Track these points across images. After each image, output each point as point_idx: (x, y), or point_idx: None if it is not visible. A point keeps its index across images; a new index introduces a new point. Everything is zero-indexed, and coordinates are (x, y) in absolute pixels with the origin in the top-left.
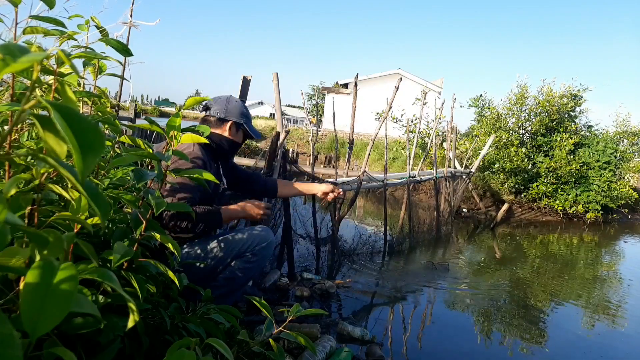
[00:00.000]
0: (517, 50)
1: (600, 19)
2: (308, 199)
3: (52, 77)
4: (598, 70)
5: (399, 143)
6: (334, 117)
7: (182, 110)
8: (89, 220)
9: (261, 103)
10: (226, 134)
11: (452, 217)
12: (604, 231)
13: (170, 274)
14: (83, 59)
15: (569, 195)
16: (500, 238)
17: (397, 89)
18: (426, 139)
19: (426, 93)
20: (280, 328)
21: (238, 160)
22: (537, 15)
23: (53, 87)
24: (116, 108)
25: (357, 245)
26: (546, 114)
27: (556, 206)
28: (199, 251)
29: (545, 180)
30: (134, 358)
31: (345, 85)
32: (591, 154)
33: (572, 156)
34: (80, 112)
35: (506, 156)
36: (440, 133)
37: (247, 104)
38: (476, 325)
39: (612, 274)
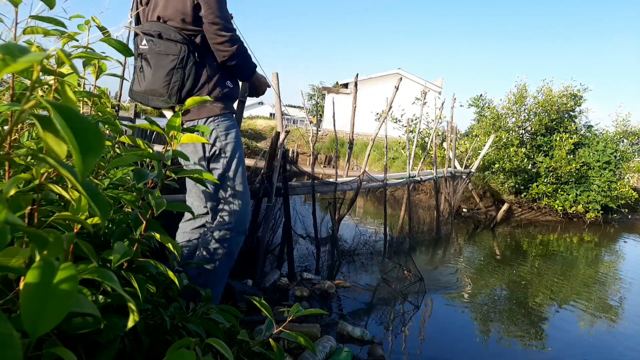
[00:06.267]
0: (517, 50)
1: (600, 19)
2: (308, 199)
3: (52, 77)
4: (598, 70)
5: (399, 143)
6: (334, 117)
7: (181, 111)
8: (89, 220)
9: (261, 103)
10: None
11: (452, 217)
12: (604, 231)
13: (170, 274)
14: (83, 59)
15: (569, 195)
16: (500, 238)
17: (397, 89)
18: (426, 139)
19: (426, 93)
20: (280, 328)
21: None
22: (537, 15)
23: (53, 87)
24: (116, 108)
25: (357, 245)
26: (546, 114)
27: (556, 206)
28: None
29: (545, 180)
30: (134, 358)
31: (345, 85)
32: (591, 153)
33: (572, 156)
34: (80, 112)
35: (506, 156)
36: (440, 133)
37: (247, 104)
38: (476, 325)
39: (612, 274)
